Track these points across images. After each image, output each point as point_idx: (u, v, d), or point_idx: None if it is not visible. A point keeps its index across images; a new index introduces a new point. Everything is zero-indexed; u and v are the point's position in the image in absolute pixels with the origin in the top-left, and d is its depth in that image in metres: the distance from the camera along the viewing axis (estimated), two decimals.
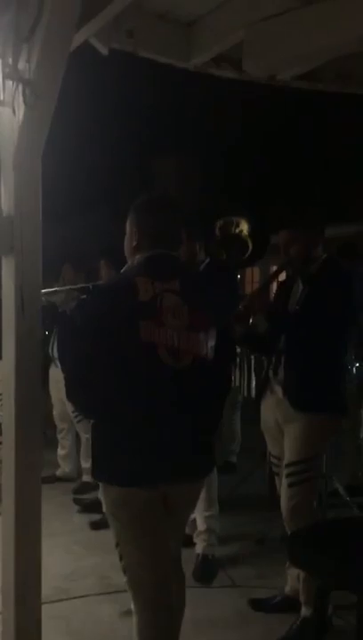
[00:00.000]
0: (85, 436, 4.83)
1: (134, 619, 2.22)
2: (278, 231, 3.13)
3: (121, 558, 2.23)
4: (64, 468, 5.17)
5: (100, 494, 4.39)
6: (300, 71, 2.64)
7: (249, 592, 3.31)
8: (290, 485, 2.96)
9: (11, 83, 2.21)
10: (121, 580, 3.26)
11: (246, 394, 4.74)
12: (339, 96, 2.85)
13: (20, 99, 2.13)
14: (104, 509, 4.16)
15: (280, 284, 3.46)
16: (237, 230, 3.58)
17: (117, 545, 2.23)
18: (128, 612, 3.01)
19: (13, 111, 2.19)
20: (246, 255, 3.61)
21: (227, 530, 3.83)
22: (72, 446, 5.12)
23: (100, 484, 2.27)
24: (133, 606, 2.23)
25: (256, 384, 4.44)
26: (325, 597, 1.93)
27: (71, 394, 2.19)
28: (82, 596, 3.30)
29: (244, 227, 3.74)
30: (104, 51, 2.52)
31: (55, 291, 4.43)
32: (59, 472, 5.19)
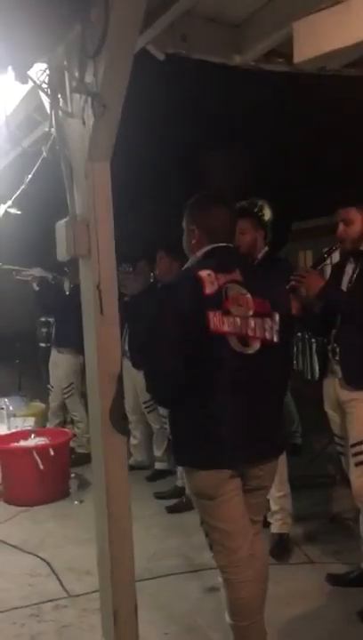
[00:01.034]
0: (156, 427, 5.02)
1: (224, 592, 2.35)
2: (332, 211, 3.17)
3: (207, 535, 2.37)
4: (136, 457, 5.37)
5: (180, 478, 4.59)
6: (349, 60, 2.71)
7: (326, 568, 3.42)
8: (357, 464, 3.03)
9: (78, 95, 2.37)
10: (203, 558, 3.48)
11: (309, 376, 4.82)
12: None
13: (89, 110, 2.27)
14: (187, 491, 4.34)
15: (333, 266, 3.53)
16: (259, 215, 3.63)
17: (202, 522, 2.37)
18: (212, 589, 3.20)
19: (83, 122, 2.34)
20: (266, 241, 3.66)
21: (300, 509, 3.93)
22: (142, 436, 5.30)
23: (184, 468, 2.42)
24: (220, 580, 2.36)
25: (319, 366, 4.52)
26: None
27: (153, 385, 2.34)
28: (167, 575, 3.48)
29: (266, 212, 3.78)
30: (160, 56, 2.65)
31: None
32: (131, 461, 5.38)
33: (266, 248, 3.85)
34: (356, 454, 3.05)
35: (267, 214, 3.78)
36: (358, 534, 3.21)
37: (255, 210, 3.76)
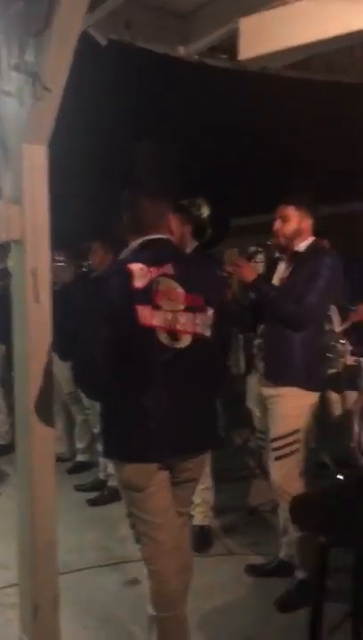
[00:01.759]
0: (81, 418, 4.96)
1: (148, 584, 2.35)
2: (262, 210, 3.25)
3: (133, 527, 2.36)
4: (56, 449, 5.27)
5: (102, 471, 4.55)
6: (290, 61, 2.75)
7: (245, 559, 3.48)
8: (277, 459, 3.11)
9: (16, 74, 2.28)
10: (124, 551, 3.47)
11: (235, 371, 4.89)
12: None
13: (29, 90, 2.20)
14: (111, 482, 4.28)
15: (268, 263, 3.62)
16: (197, 213, 3.68)
17: (129, 515, 2.36)
18: (133, 582, 3.20)
19: (20, 102, 2.26)
20: (206, 238, 3.71)
21: (220, 502, 3.98)
22: (63, 428, 5.21)
23: (113, 461, 2.39)
24: (145, 571, 2.36)
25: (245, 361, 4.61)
26: (325, 555, 2.08)
27: (82, 378, 2.30)
28: (86, 568, 3.44)
29: (204, 210, 3.83)
30: (103, 41, 2.59)
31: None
32: None
33: (195, 243, 3.87)
34: (275, 449, 3.12)
35: (205, 211, 3.80)
36: (276, 526, 3.30)
37: (193, 208, 3.77)
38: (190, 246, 3.79)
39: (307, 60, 2.76)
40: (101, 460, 4.55)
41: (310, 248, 3.24)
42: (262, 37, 2.42)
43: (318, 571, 2.11)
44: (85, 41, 2.53)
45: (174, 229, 3.59)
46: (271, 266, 3.44)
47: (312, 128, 3.23)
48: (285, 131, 3.25)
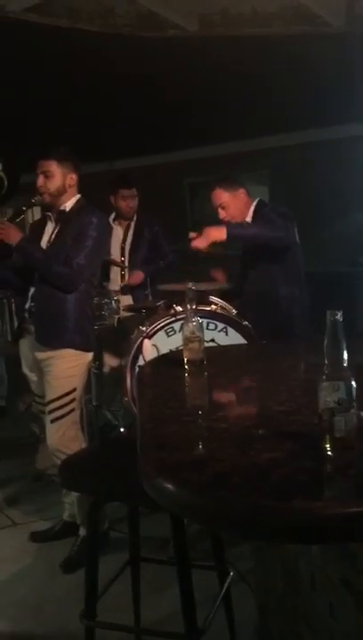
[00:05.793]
0: None
1: None
2: (30, 168, 3.10)
3: None
4: None
5: None
6: (29, 4, 2.57)
7: (30, 528, 3.40)
8: (52, 421, 3.07)
9: None
10: None
11: (9, 337, 4.72)
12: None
13: None
14: None
15: (33, 223, 3.47)
16: None
17: None
18: None
19: None
20: (2, 193, 3.51)
21: (5, 472, 3.84)
22: None
23: None
24: None
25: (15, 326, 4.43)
26: (96, 512, 2.07)
27: None
28: None
29: None
30: None
31: None
32: None
33: None
34: (51, 411, 3.07)
35: None
36: (61, 490, 3.26)
37: None
38: None
39: (48, 4, 2.58)
40: None
41: (77, 206, 3.16)
42: None
43: (89, 526, 2.09)
44: None
45: None
46: (41, 225, 3.30)
47: (67, 79, 3.10)
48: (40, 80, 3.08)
